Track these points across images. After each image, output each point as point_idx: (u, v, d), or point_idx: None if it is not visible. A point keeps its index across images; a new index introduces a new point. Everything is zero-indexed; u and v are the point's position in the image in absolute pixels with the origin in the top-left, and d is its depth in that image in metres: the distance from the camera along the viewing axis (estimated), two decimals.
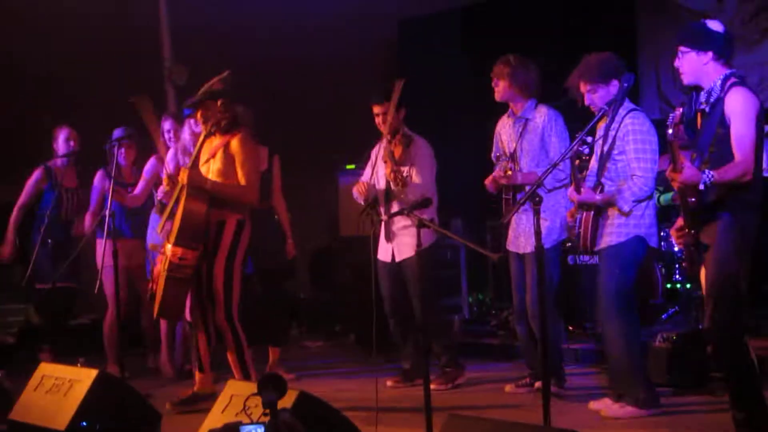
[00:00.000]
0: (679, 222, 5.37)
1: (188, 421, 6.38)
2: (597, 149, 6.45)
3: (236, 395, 5.26)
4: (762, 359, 6.83)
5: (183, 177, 6.76)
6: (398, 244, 7.63)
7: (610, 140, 6.36)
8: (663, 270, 8.78)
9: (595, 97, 6.42)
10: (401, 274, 7.66)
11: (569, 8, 11.00)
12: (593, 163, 6.50)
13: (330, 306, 10.70)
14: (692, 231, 5.18)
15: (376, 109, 7.70)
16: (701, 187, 5.00)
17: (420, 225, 5.79)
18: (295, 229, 8.44)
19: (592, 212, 6.32)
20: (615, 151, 6.33)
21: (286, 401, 4.71)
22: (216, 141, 6.95)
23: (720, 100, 5.18)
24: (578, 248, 6.56)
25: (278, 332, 8.49)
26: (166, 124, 8.29)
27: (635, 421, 6.18)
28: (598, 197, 6.30)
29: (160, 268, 6.88)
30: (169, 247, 6.76)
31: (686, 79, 5.39)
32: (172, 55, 10.34)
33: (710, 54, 5.27)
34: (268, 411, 4.24)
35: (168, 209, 7.07)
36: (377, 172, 7.81)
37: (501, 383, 7.54)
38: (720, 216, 5.13)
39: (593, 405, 6.59)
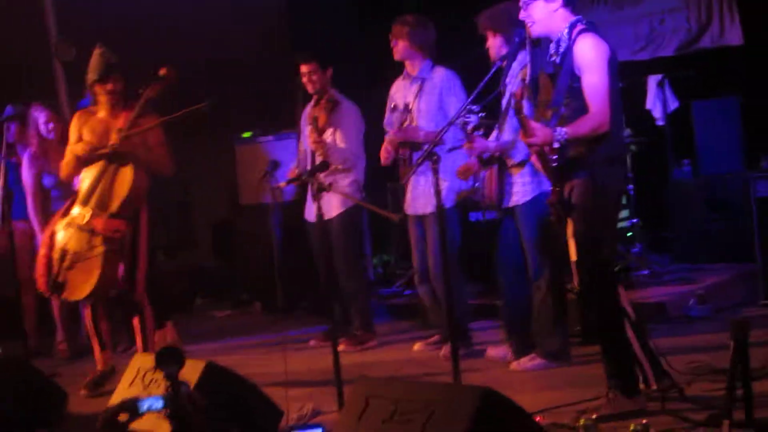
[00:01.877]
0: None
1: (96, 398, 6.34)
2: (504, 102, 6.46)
3: (143, 368, 5.20)
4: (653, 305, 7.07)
5: (123, 145, 6.55)
6: (324, 203, 7.46)
7: (507, 96, 6.35)
8: None
9: (495, 41, 6.42)
10: (327, 233, 7.52)
11: None
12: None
13: (235, 275, 10.62)
14: (556, 188, 5.03)
15: (303, 68, 7.67)
16: (556, 145, 4.85)
17: (319, 189, 5.80)
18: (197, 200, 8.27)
19: (495, 168, 6.32)
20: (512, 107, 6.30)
21: (194, 372, 4.67)
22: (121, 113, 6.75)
23: (569, 50, 5.00)
24: (483, 204, 6.55)
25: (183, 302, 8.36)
26: (42, 116, 8.03)
27: (544, 372, 6.24)
28: (492, 144, 6.29)
29: (80, 245, 6.52)
30: (100, 219, 6.52)
31: (536, 30, 5.20)
32: (58, 31, 10.08)
33: (560, 0, 5.10)
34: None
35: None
36: (303, 133, 7.83)
37: (410, 343, 7.55)
38: (580, 174, 4.99)
39: (491, 352, 6.72)
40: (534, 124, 4.90)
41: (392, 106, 7.32)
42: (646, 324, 5.48)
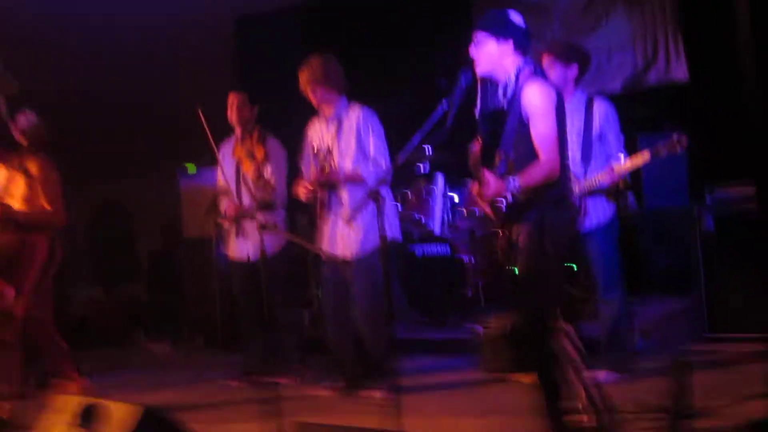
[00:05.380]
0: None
1: None
2: None
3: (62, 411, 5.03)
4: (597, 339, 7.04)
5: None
6: (253, 242, 7.43)
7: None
8: None
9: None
10: (256, 272, 7.39)
11: (408, 6, 10.99)
12: None
13: (177, 309, 10.49)
14: (505, 232, 5.07)
15: (235, 99, 7.60)
16: (508, 196, 4.89)
17: (262, 228, 5.77)
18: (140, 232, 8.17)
19: None
20: None
21: (130, 418, 4.54)
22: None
23: (516, 96, 5.01)
24: None
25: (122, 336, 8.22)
26: None
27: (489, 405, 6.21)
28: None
29: None
30: None
31: (481, 69, 5.15)
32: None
33: (511, 43, 5.08)
34: None
35: None
36: (225, 170, 7.68)
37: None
38: (528, 217, 4.97)
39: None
40: (488, 176, 4.89)
41: (311, 148, 7.12)
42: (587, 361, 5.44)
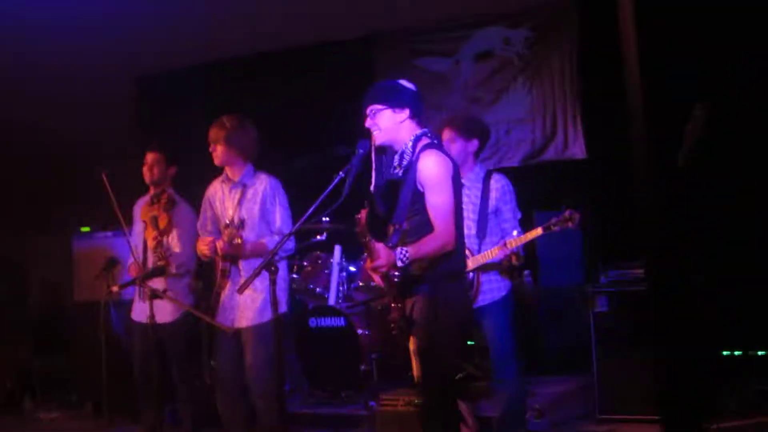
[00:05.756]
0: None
1: None
2: None
3: None
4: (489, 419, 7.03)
5: None
6: (158, 307, 7.22)
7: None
8: None
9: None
10: (157, 335, 7.25)
11: (308, 68, 10.96)
12: None
13: (66, 375, 10.20)
14: (398, 305, 5.02)
15: (149, 157, 7.46)
16: (399, 265, 4.83)
17: (152, 296, 5.68)
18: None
19: None
20: None
21: None
22: None
23: (412, 165, 5.01)
24: None
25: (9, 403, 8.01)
26: None
27: None
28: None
29: None
30: None
31: (380, 139, 5.15)
32: None
33: (407, 111, 5.12)
34: None
35: None
36: (132, 231, 7.53)
37: None
38: (421, 290, 4.97)
39: None
40: (377, 246, 4.84)
41: (213, 212, 6.99)
42: None
